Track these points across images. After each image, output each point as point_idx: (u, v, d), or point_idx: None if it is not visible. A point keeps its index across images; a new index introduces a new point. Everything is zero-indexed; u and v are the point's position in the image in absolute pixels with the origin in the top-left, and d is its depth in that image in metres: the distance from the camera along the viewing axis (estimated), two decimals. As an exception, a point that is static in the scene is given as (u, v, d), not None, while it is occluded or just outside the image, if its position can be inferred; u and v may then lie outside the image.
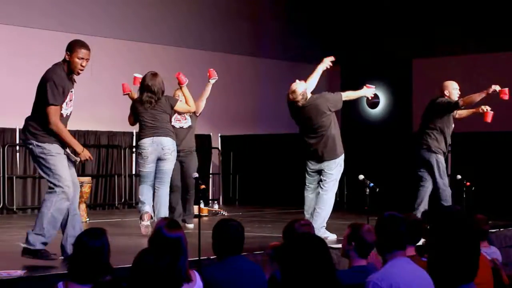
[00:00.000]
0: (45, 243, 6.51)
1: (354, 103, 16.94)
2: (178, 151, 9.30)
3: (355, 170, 8.97)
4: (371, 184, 8.47)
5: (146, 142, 8.86)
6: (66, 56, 6.60)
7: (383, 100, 17.04)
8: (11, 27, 12.27)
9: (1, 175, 12.03)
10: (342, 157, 8.89)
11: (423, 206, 9.89)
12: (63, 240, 6.71)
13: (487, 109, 9.85)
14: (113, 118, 13.17)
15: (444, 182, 9.93)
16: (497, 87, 9.76)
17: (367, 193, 8.42)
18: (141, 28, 14.00)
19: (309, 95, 8.70)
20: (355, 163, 9.15)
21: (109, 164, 13.42)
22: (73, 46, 6.63)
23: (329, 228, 8.73)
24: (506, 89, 9.80)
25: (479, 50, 15.34)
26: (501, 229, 9.34)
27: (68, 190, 6.55)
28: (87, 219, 10.73)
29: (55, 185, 6.53)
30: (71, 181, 6.65)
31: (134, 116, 9.09)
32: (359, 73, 17.06)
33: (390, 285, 4.20)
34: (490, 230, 7.33)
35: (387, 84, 16.99)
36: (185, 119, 9.77)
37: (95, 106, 12.88)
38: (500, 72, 14.67)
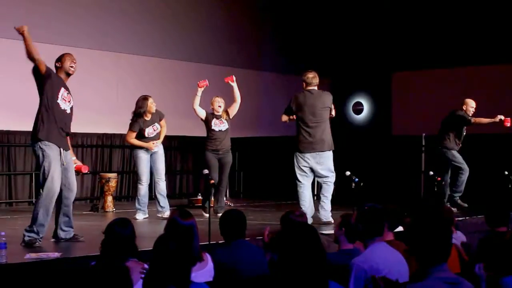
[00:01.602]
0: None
1: (342, 110, 17.01)
2: (218, 150, 9.61)
3: (342, 167, 9.00)
4: (356, 179, 8.49)
5: None
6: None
7: (366, 108, 17.09)
8: (54, 46, 12.30)
9: (33, 172, 12.04)
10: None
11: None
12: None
13: (503, 118, 10.38)
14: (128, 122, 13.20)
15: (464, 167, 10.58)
16: (501, 117, 10.40)
17: (352, 187, 8.46)
18: (152, 44, 13.96)
19: None
20: (342, 161, 9.15)
21: (132, 162, 13.42)
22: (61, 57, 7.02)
23: (318, 217, 8.77)
24: (509, 118, 10.40)
25: (453, 64, 15.34)
26: (467, 218, 9.42)
27: None
28: (114, 209, 10.77)
29: None
30: None
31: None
32: (346, 85, 17.09)
33: (371, 266, 4.23)
34: (458, 219, 7.39)
35: (370, 94, 17.02)
36: (223, 123, 9.74)
37: (120, 113, 12.88)
38: (472, 85, 14.69)
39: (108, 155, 13.04)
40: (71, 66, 6.95)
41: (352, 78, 17.02)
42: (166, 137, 13.62)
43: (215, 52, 14.97)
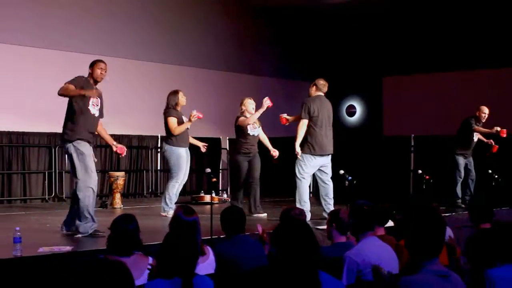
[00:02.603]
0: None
1: (336, 112, 17.00)
2: (249, 153, 9.21)
3: (336, 166, 8.99)
4: (349, 178, 8.48)
5: None
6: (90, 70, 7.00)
7: (359, 110, 17.09)
8: (62, 52, 12.31)
9: (53, 170, 12.07)
10: None
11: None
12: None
13: (499, 129, 10.49)
14: (143, 125, 13.22)
15: (460, 175, 10.74)
16: (498, 128, 10.50)
17: (346, 184, 8.45)
18: (158, 50, 13.98)
19: None
20: (336, 160, 9.13)
21: (139, 161, 13.44)
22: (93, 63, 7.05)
23: (315, 213, 8.76)
24: (505, 130, 10.49)
25: (440, 69, 15.35)
26: (453, 213, 9.41)
27: None
28: (122, 206, 10.76)
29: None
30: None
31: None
32: (340, 88, 17.05)
33: (363, 259, 4.23)
34: (444, 214, 7.39)
35: (362, 97, 17.03)
36: (255, 128, 9.37)
37: (127, 115, 12.90)
38: (458, 89, 14.71)
39: (116, 155, 12.98)
40: (101, 74, 7.00)
41: (345, 82, 17.01)
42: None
43: (217, 58, 14.97)
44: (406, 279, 3.21)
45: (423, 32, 15.58)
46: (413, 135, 13.37)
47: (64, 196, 12.12)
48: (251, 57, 15.91)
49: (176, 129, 8.89)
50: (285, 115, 9.10)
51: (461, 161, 10.73)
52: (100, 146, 12.80)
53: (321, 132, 8.68)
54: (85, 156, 6.80)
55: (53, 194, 12.03)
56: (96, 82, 7.03)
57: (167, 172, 13.84)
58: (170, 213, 8.29)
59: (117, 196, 10.77)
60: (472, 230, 5.44)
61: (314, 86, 8.89)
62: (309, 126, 8.69)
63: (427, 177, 9.94)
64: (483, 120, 10.72)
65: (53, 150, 12.06)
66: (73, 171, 6.92)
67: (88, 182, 6.76)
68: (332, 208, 8.58)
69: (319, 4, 15.39)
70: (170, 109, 9.02)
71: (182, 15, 14.35)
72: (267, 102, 8.87)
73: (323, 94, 8.91)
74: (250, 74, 15.46)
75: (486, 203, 5.39)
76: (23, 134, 11.79)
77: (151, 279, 3.75)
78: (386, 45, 16.19)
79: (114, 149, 7.43)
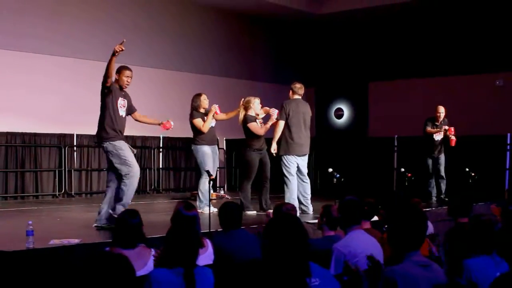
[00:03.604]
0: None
1: (325, 115, 17.04)
2: (261, 150, 8.83)
3: (325, 164, 8.99)
4: (337, 175, 8.49)
5: None
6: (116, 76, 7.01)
7: (346, 113, 17.10)
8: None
9: (63, 168, 12.05)
10: None
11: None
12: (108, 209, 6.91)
13: (447, 127, 10.38)
14: (146, 126, 13.13)
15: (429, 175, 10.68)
16: (446, 127, 10.39)
17: (334, 182, 8.45)
18: (160, 57, 13.97)
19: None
20: (325, 159, 9.14)
21: (142, 160, 13.41)
22: (120, 69, 7.08)
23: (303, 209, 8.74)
24: (452, 128, 10.34)
25: (421, 75, 15.39)
26: (433, 208, 9.42)
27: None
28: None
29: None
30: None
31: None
32: (328, 93, 17.12)
33: (350, 251, 4.24)
34: (425, 209, 7.39)
35: (349, 101, 17.04)
36: (262, 123, 9.01)
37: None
38: (439, 94, 14.73)
39: (122, 154, 13.01)
40: (127, 82, 7.05)
41: (333, 87, 17.05)
42: (172, 139, 13.72)
43: (218, 64, 14.96)
44: (390, 268, 3.22)
45: (405, 42, 15.69)
46: (396, 136, 13.39)
47: (73, 192, 12.10)
48: (248, 64, 15.92)
49: (204, 126, 8.68)
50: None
51: (429, 161, 10.59)
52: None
53: (297, 133, 8.50)
54: (124, 151, 6.95)
55: (63, 191, 12.02)
56: (121, 88, 7.07)
57: (169, 170, 13.89)
58: (206, 209, 7.96)
59: (123, 193, 10.73)
60: (450, 224, 5.47)
61: (291, 90, 8.68)
62: (285, 127, 8.53)
63: (409, 174, 9.96)
64: (440, 119, 10.51)
65: (63, 150, 12.04)
66: (111, 167, 7.00)
67: (132, 172, 6.86)
68: (309, 203, 8.57)
69: (311, 16, 15.42)
70: (193, 112, 8.80)
71: (185, 26, 14.34)
72: (274, 113, 8.57)
73: (300, 97, 8.69)
74: (247, 80, 15.46)
75: (464, 199, 5.39)
76: (35, 135, 11.77)
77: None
78: (371, 54, 16.26)
79: (161, 125, 7.72)
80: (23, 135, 11.60)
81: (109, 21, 12.87)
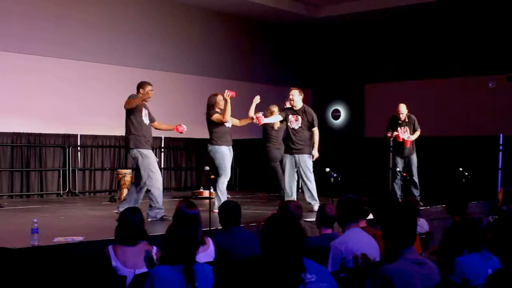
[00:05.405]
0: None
1: (322, 116, 17.02)
2: (279, 148, 9.45)
3: (323, 164, 8.99)
4: (335, 175, 8.49)
5: None
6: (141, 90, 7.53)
7: (343, 114, 17.10)
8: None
9: (67, 168, 12.04)
10: None
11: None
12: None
13: (396, 133, 10.12)
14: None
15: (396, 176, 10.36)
16: (395, 133, 10.08)
17: (331, 181, 8.45)
18: (161, 60, 13.95)
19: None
20: (322, 159, 9.13)
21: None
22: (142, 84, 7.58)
23: (305, 207, 8.75)
24: (399, 133, 10.06)
25: (416, 77, 15.38)
26: (428, 207, 9.41)
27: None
28: (129, 200, 10.71)
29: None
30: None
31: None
32: (326, 94, 17.11)
33: (346, 248, 4.23)
34: (420, 208, 7.39)
35: (346, 102, 17.04)
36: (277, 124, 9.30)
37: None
38: (433, 95, 14.74)
39: (124, 154, 12.99)
40: (149, 96, 7.44)
41: (331, 89, 17.05)
42: (173, 139, 13.70)
43: (219, 67, 14.94)
44: (386, 266, 3.21)
45: (400, 45, 15.70)
46: (392, 136, 13.38)
47: (77, 191, 12.09)
48: (247, 66, 15.90)
49: (224, 116, 8.37)
50: (261, 116, 8.81)
51: (398, 160, 10.30)
52: (109, 147, 12.79)
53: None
54: (149, 159, 7.43)
55: (67, 190, 12.01)
56: (143, 100, 7.48)
57: (171, 170, 13.85)
58: None
59: (125, 191, 10.71)
60: (446, 222, 5.47)
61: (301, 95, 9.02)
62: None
63: (404, 174, 9.94)
64: (402, 119, 10.17)
65: (67, 149, 12.03)
66: (138, 171, 7.56)
67: (155, 179, 7.42)
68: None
69: (309, 19, 15.44)
70: (209, 110, 8.56)
71: (186, 29, 14.32)
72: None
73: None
74: (246, 81, 15.44)
75: (461, 198, 5.40)
76: (40, 135, 11.75)
77: (151, 266, 3.73)
78: (367, 57, 16.27)
79: (174, 129, 7.98)
80: (28, 135, 11.59)
81: (114, 24, 12.86)
